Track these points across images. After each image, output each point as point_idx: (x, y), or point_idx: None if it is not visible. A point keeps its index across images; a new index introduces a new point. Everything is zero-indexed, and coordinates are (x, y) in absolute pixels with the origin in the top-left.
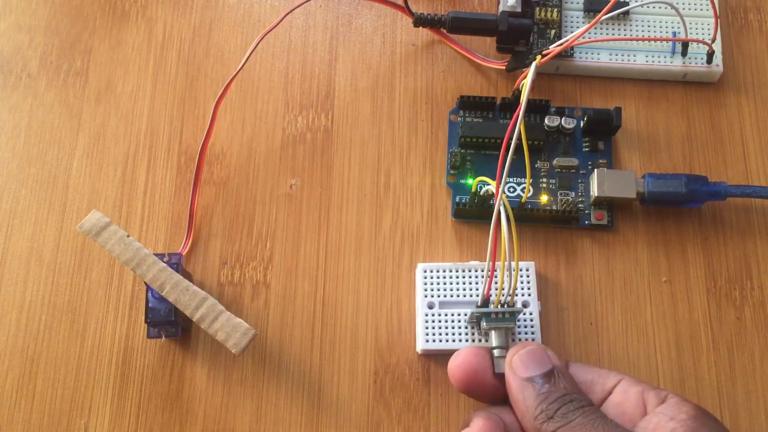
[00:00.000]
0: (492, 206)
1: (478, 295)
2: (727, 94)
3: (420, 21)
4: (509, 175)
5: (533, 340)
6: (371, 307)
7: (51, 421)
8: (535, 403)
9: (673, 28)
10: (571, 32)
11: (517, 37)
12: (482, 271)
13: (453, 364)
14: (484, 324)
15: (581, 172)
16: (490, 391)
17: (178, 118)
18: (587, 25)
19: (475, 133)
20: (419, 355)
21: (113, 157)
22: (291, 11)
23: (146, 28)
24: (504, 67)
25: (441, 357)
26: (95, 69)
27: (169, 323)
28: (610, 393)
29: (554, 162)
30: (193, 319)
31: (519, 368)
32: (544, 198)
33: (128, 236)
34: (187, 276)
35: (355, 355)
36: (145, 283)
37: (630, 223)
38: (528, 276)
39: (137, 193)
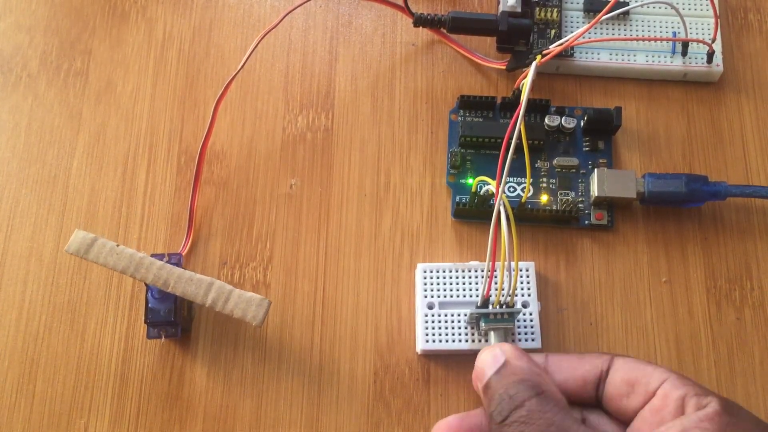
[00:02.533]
0: (492, 206)
1: (477, 296)
2: (727, 93)
3: (420, 21)
4: (509, 175)
5: (533, 340)
6: (371, 307)
7: (51, 421)
8: (486, 409)
9: (673, 28)
10: (571, 32)
11: (517, 37)
12: (482, 271)
13: None
14: (483, 325)
15: (581, 171)
16: None
17: (178, 118)
18: (587, 25)
19: (475, 132)
20: (419, 356)
21: (113, 157)
22: (291, 11)
23: (146, 28)
24: (504, 67)
25: (441, 357)
26: (95, 69)
27: (169, 323)
28: (653, 395)
29: (554, 162)
30: (206, 306)
31: (477, 379)
32: (544, 198)
33: (118, 245)
34: None
35: (355, 355)
36: (147, 284)
37: (630, 223)
38: (528, 276)
39: (137, 193)
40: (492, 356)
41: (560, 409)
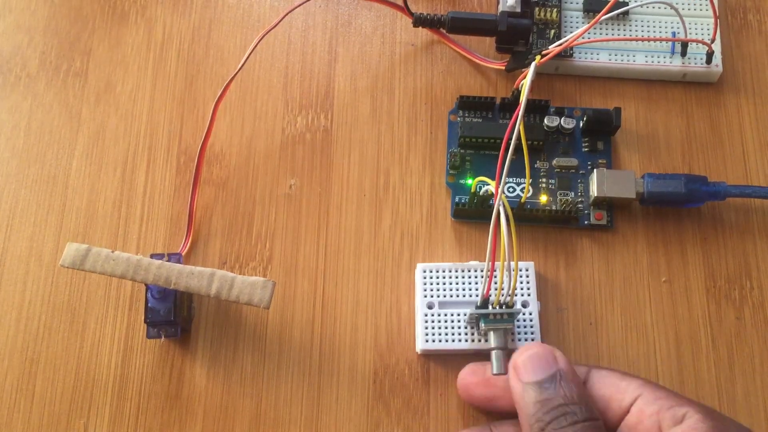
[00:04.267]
0: (491, 206)
1: (477, 296)
2: (727, 94)
3: (419, 21)
4: (509, 175)
5: (533, 340)
6: (371, 307)
7: (51, 421)
8: (533, 410)
9: (672, 28)
10: (571, 32)
11: (516, 37)
12: (482, 271)
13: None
14: (483, 325)
15: (581, 172)
16: (485, 402)
17: (177, 118)
18: (587, 25)
19: (475, 133)
20: (419, 356)
21: (113, 157)
22: (291, 11)
23: (146, 28)
24: (503, 67)
25: (440, 357)
26: (95, 69)
27: (169, 323)
28: (627, 411)
29: (554, 162)
30: (211, 296)
31: (521, 372)
32: (543, 198)
33: (113, 251)
34: None
35: (354, 355)
36: (147, 284)
37: (629, 223)
38: (527, 276)
39: (137, 193)
40: (547, 357)
41: None
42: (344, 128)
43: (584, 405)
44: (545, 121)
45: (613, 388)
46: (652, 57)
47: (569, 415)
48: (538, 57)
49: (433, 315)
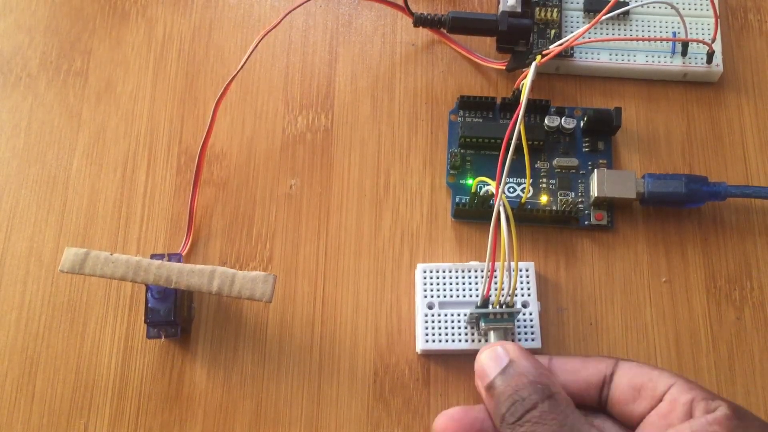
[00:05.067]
0: (492, 206)
1: (477, 296)
2: (727, 94)
3: (420, 21)
4: (509, 176)
5: (533, 340)
6: (371, 307)
7: (51, 421)
8: (493, 408)
9: (673, 28)
10: (571, 32)
11: (517, 37)
12: (482, 271)
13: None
14: (483, 325)
15: (581, 172)
16: None
17: (178, 118)
18: (587, 25)
19: (475, 133)
20: (419, 356)
21: (113, 157)
22: (291, 11)
23: (146, 28)
24: (504, 67)
25: (441, 357)
26: (95, 69)
27: (169, 323)
28: (659, 400)
29: (554, 162)
30: (213, 293)
31: (478, 378)
32: (543, 198)
33: (112, 254)
34: None
35: (354, 355)
36: (148, 285)
37: (630, 224)
38: (528, 276)
39: (137, 193)
40: (494, 356)
41: (572, 410)
42: (345, 128)
43: (538, 386)
44: (546, 121)
45: (645, 377)
46: (653, 57)
47: (518, 403)
48: (538, 57)
49: (433, 315)
